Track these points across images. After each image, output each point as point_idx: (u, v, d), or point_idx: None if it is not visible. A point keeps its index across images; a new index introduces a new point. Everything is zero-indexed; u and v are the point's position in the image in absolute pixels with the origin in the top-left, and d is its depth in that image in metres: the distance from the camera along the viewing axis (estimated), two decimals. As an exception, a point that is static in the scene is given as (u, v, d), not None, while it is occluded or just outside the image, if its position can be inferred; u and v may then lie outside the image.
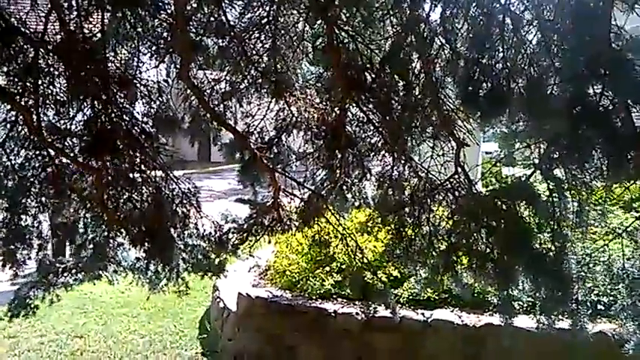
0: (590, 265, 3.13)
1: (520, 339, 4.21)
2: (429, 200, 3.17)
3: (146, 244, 3.51)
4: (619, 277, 2.94)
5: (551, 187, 2.59)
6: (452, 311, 4.72)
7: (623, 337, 2.99)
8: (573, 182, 2.48)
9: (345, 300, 4.99)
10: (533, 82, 2.37)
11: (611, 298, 4.18)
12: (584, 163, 2.27)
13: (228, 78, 3.63)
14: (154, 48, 3.32)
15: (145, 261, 3.93)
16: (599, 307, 4.25)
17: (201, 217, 3.81)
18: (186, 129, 3.81)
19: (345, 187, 3.72)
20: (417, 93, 2.99)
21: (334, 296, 5.06)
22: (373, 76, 3.10)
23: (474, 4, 2.50)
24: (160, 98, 3.55)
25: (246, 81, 3.51)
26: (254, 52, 3.37)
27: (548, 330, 3.01)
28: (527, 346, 4.29)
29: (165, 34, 3.23)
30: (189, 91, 3.52)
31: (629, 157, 2.13)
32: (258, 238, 4.08)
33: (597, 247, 3.01)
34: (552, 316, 2.99)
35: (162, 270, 4.00)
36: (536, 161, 2.65)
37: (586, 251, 2.96)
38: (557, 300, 2.82)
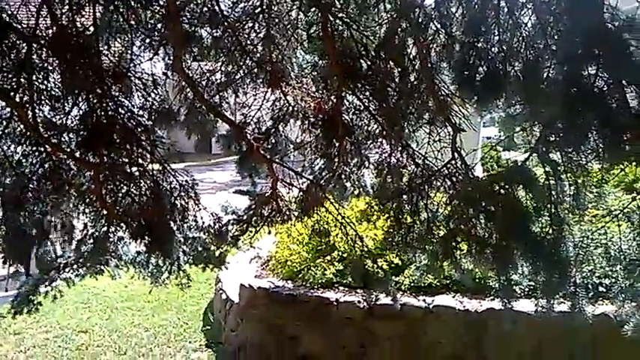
0: (590, 248, 3.13)
1: (521, 323, 4.23)
2: (426, 187, 3.16)
3: (146, 237, 3.51)
4: (616, 259, 2.94)
5: (547, 170, 2.58)
6: (453, 297, 4.73)
7: (623, 318, 3.01)
8: (569, 165, 2.47)
9: (346, 288, 5.01)
10: (529, 64, 2.35)
11: (613, 279, 4.18)
12: (580, 145, 2.26)
13: (223, 69, 3.61)
14: (147, 40, 3.29)
15: (146, 254, 3.94)
16: (600, 289, 4.26)
17: (200, 210, 3.81)
18: (183, 121, 3.79)
19: (343, 176, 3.72)
20: (412, 79, 2.98)
21: (336, 285, 5.08)
22: (369, 63, 3.08)
23: (468, -13, 2.48)
24: (155, 91, 3.53)
25: (241, 71, 3.49)
26: (248, 42, 3.34)
27: (548, 313, 3.02)
28: (528, 329, 4.31)
29: (158, 26, 3.21)
30: (184, 83, 3.51)
31: (624, 137, 2.12)
32: (257, 229, 4.08)
33: (594, 229, 3.01)
34: (552, 300, 3.01)
35: (163, 263, 4.00)
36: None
37: (585, 234, 2.96)
38: (555, 283, 2.83)
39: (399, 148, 3.25)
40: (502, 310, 3.67)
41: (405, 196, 3.26)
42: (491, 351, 4.66)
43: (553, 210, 2.72)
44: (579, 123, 2.19)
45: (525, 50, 2.36)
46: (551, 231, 2.75)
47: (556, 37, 2.20)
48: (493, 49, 2.45)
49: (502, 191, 2.78)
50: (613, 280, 4.16)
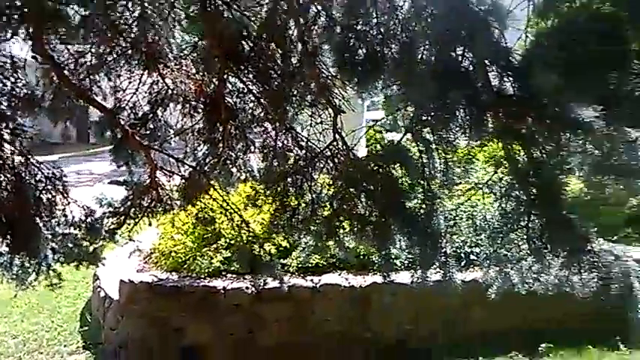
0: (461, 220, 3.40)
1: (401, 295, 4.50)
2: (310, 169, 3.22)
3: (8, 236, 3.20)
4: (482, 228, 3.22)
5: (420, 148, 2.74)
6: (339, 275, 4.90)
7: (488, 282, 3.31)
8: (440, 142, 2.64)
9: (234, 276, 4.97)
10: (404, 47, 2.46)
11: (482, 248, 4.58)
12: (449, 123, 2.43)
13: (93, 50, 3.36)
14: (4, 19, 2.96)
15: (9, 255, 3.58)
16: (471, 257, 4.66)
17: (70, 203, 3.54)
18: (48, 108, 3.48)
19: (229, 161, 3.65)
20: (294, 61, 2.99)
21: (223, 273, 5.02)
22: (251, 44, 3.04)
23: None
24: (14, 75, 3.19)
25: (114, 53, 3.27)
26: (121, 21, 3.14)
27: (423, 284, 3.23)
28: (407, 301, 4.61)
29: (17, 3, 2.90)
30: (48, 65, 3.21)
31: (488, 115, 2.32)
32: (137, 221, 3.89)
33: (461, 202, 3.26)
34: (426, 271, 3.22)
35: (29, 263, 3.67)
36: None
37: (456, 207, 3.20)
38: (429, 255, 3.03)
39: (284, 131, 3.27)
40: (384, 283, 3.86)
41: (289, 179, 3.29)
42: (375, 324, 4.90)
43: (426, 186, 2.90)
44: (448, 102, 2.34)
45: (401, 33, 2.46)
46: (424, 206, 2.93)
47: (429, 19, 2.32)
48: (372, 31, 2.53)
49: (381, 170, 2.90)
50: (482, 249, 4.57)
